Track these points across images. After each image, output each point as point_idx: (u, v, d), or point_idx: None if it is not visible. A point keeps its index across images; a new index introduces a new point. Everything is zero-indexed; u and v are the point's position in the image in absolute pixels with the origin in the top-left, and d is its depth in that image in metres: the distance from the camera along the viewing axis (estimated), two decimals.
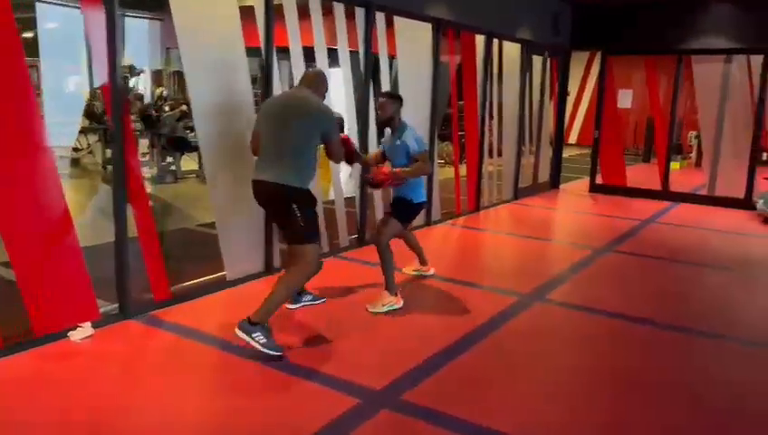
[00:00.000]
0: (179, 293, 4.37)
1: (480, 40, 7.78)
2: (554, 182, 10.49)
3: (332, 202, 5.81)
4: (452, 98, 9.16)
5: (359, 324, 4.06)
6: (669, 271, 5.74)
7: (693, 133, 14.79)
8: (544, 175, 10.23)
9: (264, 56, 4.81)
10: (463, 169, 8.09)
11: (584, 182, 10.45)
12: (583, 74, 19.33)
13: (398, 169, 4.31)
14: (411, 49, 6.59)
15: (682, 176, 11.96)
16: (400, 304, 4.34)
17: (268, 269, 5.00)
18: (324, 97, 3.84)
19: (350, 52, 5.77)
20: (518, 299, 4.65)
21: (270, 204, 3.74)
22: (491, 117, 8.31)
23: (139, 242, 4.00)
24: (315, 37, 5.39)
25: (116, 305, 3.95)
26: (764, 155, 8.97)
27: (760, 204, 8.17)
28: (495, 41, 8.12)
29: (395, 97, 4.44)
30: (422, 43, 6.77)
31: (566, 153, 16.07)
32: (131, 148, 3.92)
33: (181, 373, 3.29)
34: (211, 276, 4.78)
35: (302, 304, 4.29)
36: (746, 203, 8.83)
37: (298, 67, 5.11)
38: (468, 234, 7.05)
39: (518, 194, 9.18)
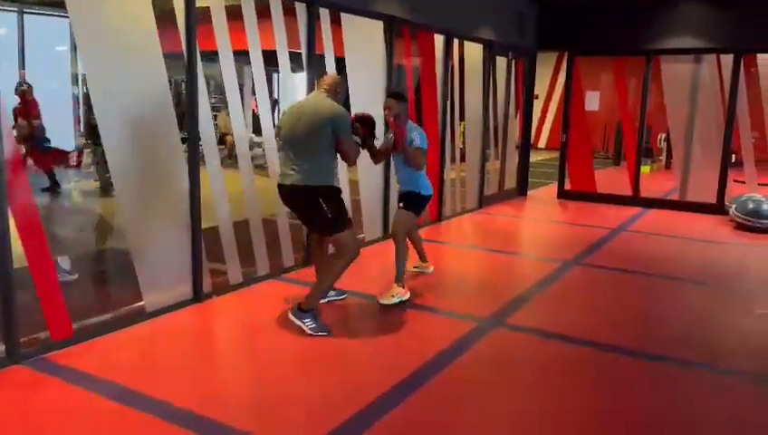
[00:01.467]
0: (85, 330, 3.78)
1: (439, 40, 7.32)
2: (522, 189, 10.08)
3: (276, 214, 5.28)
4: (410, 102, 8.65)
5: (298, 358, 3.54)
6: (641, 287, 5.31)
7: (662, 135, 14.55)
8: (511, 181, 9.81)
9: (186, 61, 4.25)
10: None
11: (553, 188, 10.06)
12: (551, 76, 19.07)
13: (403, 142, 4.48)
14: (362, 50, 6.09)
15: (652, 180, 11.66)
16: (407, 295, 4.58)
17: (197, 297, 4.44)
18: (342, 101, 3.99)
19: (318, 55, 5.35)
20: (476, 325, 4.16)
21: (296, 205, 3.99)
22: (452, 121, 7.85)
23: (30, 272, 3.42)
24: (277, 39, 5.05)
25: (1, 348, 3.36)
26: (733, 157, 8.62)
27: (732, 209, 7.84)
28: (456, 41, 7.68)
29: (400, 97, 4.59)
30: (373, 43, 6.27)
31: (535, 157, 15.77)
32: (16, 165, 3.34)
33: None
34: (126, 308, 4.20)
35: (329, 298, 4.46)
36: (719, 208, 8.50)
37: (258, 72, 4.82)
38: (428, 248, 6.55)
39: (483, 202, 8.73)
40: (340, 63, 5.83)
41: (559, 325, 4.23)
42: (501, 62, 8.99)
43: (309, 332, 3.82)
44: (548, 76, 18.95)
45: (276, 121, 4.73)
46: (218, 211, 4.69)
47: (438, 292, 4.93)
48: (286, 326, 3.96)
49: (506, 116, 9.29)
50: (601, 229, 7.47)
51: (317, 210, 3.83)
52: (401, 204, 4.74)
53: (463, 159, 8.44)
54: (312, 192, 3.81)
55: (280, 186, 3.96)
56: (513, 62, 9.29)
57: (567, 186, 9.76)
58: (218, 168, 4.73)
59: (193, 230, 4.36)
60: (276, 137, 4.79)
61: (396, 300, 4.49)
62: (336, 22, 5.65)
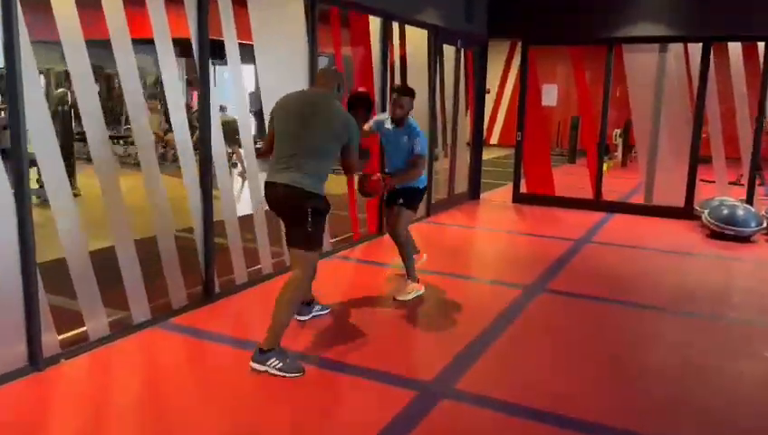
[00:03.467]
0: None
1: (376, 24, 6.25)
2: (474, 192, 9.12)
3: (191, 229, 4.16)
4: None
5: None
6: (616, 323, 4.37)
7: (617, 131, 13.89)
8: (462, 184, 8.84)
9: None
10: None
11: (508, 190, 9.12)
12: (504, 68, 18.27)
13: (387, 178, 4.34)
14: (276, 36, 4.96)
15: (611, 178, 10.83)
16: (422, 289, 4.67)
17: (34, 362, 3.26)
18: (341, 100, 3.70)
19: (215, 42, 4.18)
20: (417, 394, 3.13)
21: (284, 208, 3.56)
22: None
23: None
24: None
25: None
26: None
27: (705, 215, 7.06)
28: (396, 26, 6.64)
29: (413, 95, 4.53)
30: (291, 27, 5.15)
31: (488, 155, 14.92)
32: None
33: None
34: None
35: (312, 314, 4.16)
36: (687, 212, 7.73)
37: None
38: (362, 273, 5.53)
39: (431, 210, 7.72)
40: (248, 52, 4.71)
41: (522, 393, 3.23)
42: (449, 51, 7.99)
43: (278, 374, 3.27)
44: (500, 68, 18.14)
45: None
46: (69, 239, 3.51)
47: (369, 344, 3.87)
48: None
49: (456, 111, 8.31)
50: (564, 241, 6.56)
51: (301, 220, 3.43)
52: (400, 200, 4.55)
53: None
54: (303, 198, 3.40)
55: (269, 184, 3.48)
56: (463, 51, 8.31)
57: (523, 188, 8.86)
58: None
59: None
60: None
61: (412, 295, 4.58)
62: (240, 2, 4.54)
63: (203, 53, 4.17)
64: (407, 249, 4.63)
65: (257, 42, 4.75)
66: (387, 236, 6.52)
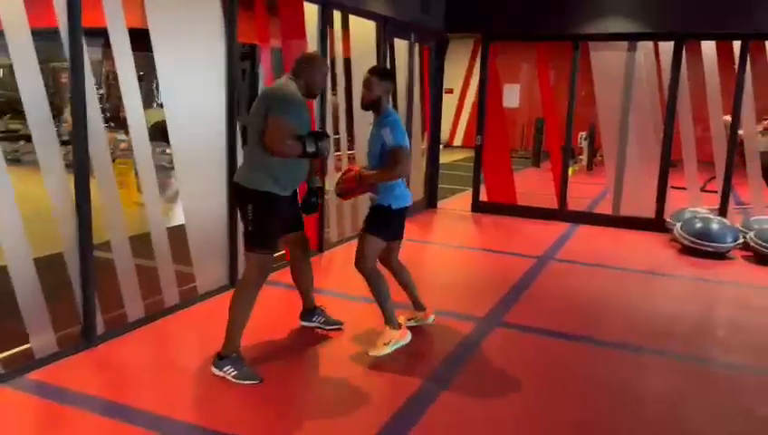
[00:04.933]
0: None
1: (312, 13, 5.45)
2: (430, 200, 8.40)
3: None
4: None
5: None
6: (583, 368, 3.67)
7: (583, 134, 13.35)
8: (417, 192, 8.10)
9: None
10: None
11: (467, 197, 8.41)
12: (468, 66, 17.64)
13: (364, 172, 3.63)
14: (181, 24, 4.13)
15: (576, 183, 10.22)
16: (407, 338, 3.78)
17: None
18: (316, 83, 3.44)
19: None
20: None
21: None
22: (334, 120, 6.05)
23: None
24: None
25: None
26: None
27: (677, 229, 6.46)
28: (337, 14, 5.86)
29: (384, 75, 3.73)
30: (203, 13, 4.32)
31: (450, 158, 14.26)
32: None
33: None
34: None
35: (315, 323, 3.97)
36: (658, 224, 7.14)
37: None
38: (289, 297, 4.72)
39: None
40: (142, 39, 3.88)
41: None
42: (401, 46, 7.25)
43: (234, 380, 3.21)
44: (463, 67, 17.52)
45: None
46: None
47: (290, 404, 3.09)
48: None
49: (409, 112, 7.57)
50: (525, 259, 5.87)
51: (243, 217, 3.36)
52: (363, 225, 3.74)
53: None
54: (240, 193, 3.36)
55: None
56: (418, 46, 7.57)
57: (483, 196, 8.17)
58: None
59: None
60: None
61: (390, 349, 3.66)
62: None
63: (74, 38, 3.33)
64: (377, 286, 3.71)
65: (154, 29, 3.91)
66: (325, 255, 5.77)
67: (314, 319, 4.00)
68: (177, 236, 4.29)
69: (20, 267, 3.25)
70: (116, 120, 11.47)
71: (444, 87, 8.42)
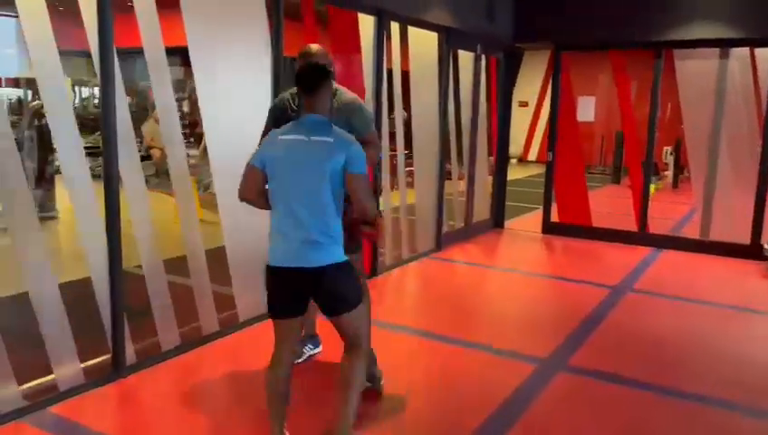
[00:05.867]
0: None
1: (367, 24, 5.18)
2: (497, 219, 7.92)
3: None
4: None
5: None
6: (671, 429, 3.14)
7: (668, 149, 12.46)
8: (483, 210, 7.65)
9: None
10: None
11: (538, 216, 7.86)
12: (543, 78, 16.96)
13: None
14: (224, 35, 3.94)
15: (660, 202, 9.47)
16: None
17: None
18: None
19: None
20: None
21: None
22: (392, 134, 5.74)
23: None
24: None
25: None
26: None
27: None
28: (395, 25, 5.56)
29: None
30: (247, 24, 4.12)
31: (522, 173, 13.65)
32: None
33: None
34: None
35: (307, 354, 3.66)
36: (753, 251, 6.36)
37: None
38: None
39: (442, 242, 6.57)
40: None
41: None
42: (466, 58, 6.87)
43: None
44: (539, 79, 16.84)
45: None
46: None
47: None
48: None
49: (474, 126, 7.15)
50: (598, 289, 5.32)
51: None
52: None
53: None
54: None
55: None
56: (484, 58, 7.16)
57: (555, 216, 7.61)
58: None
59: None
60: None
61: None
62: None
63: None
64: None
65: (194, 46, 3.72)
66: (379, 280, 5.39)
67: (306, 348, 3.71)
68: (217, 258, 4.08)
69: (44, 293, 3.11)
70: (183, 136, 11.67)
71: (518, 100, 7.96)
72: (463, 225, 7.22)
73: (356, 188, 2.49)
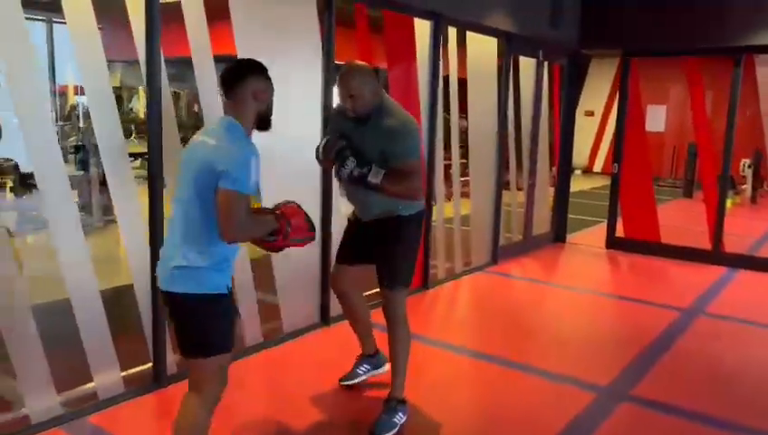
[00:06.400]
0: None
1: (423, 29, 5.02)
2: (558, 233, 7.57)
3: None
4: None
5: None
6: None
7: (746, 161, 11.69)
8: (543, 223, 7.33)
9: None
10: None
11: (602, 230, 7.45)
12: (611, 86, 16.32)
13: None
14: (273, 52, 3.86)
15: (736, 218, 8.87)
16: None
17: None
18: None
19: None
20: None
21: None
22: (447, 143, 5.55)
23: None
24: None
25: None
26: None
27: None
28: (452, 30, 5.38)
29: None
30: (298, 32, 4.03)
31: (587, 185, 13.16)
32: None
33: None
34: None
35: (367, 374, 3.36)
36: None
37: None
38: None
39: (498, 255, 6.32)
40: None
41: None
42: (527, 64, 6.61)
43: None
44: (606, 87, 16.23)
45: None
46: None
47: None
48: None
49: (535, 136, 6.87)
50: (666, 311, 4.94)
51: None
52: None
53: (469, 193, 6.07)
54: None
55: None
56: (547, 65, 6.88)
57: (620, 231, 7.21)
58: None
59: None
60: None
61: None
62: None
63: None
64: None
65: (242, 52, 3.66)
66: (430, 294, 5.21)
67: (361, 370, 3.41)
68: (263, 267, 4.00)
69: (85, 299, 3.08)
70: None
71: (584, 109, 7.60)
72: (521, 238, 6.94)
73: (218, 205, 2.09)
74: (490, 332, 4.48)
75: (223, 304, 2.21)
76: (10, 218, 7.56)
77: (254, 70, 2.26)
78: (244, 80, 2.22)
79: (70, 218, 3.02)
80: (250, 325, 3.88)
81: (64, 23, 3.04)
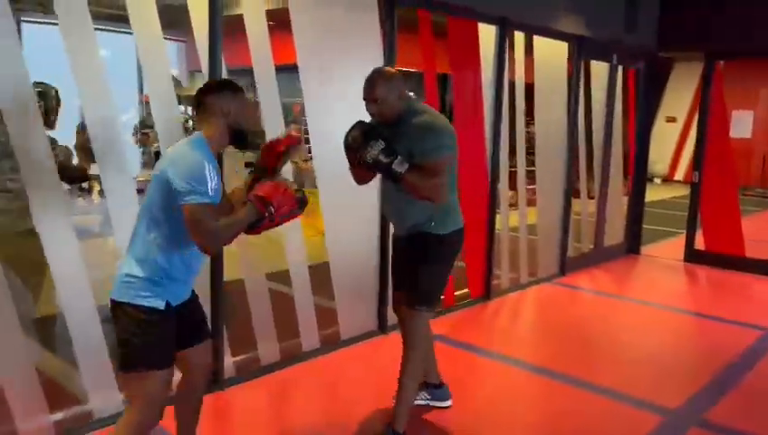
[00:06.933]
0: None
1: (487, 33, 4.93)
2: (632, 244, 7.23)
3: None
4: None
5: None
6: None
7: None
8: (616, 233, 7.03)
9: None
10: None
11: (681, 242, 7.05)
12: (695, 92, 15.53)
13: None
14: (333, 60, 3.88)
15: None
16: None
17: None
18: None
19: None
20: None
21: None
22: (512, 150, 5.41)
23: None
24: None
25: None
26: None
27: None
28: (519, 35, 5.25)
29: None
30: (360, 34, 4.03)
31: (667, 194, 12.56)
32: None
33: None
34: None
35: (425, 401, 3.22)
36: None
37: None
38: (444, 354, 4.18)
39: (566, 266, 6.10)
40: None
41: None
42: (598, 68, 6.36)
43: None
44: (689, 92, 15.46)
45: None
46: None
47: None
48: None
49: (608, 143, 6.61)
50: (748, 330, 4.61)
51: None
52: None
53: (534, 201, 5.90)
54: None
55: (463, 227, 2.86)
56: (621, 69, 6.60)
57: (699, 243, 6.81)
58: None
59: None
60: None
61: None
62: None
63: None
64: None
65: (302, 59, 3.70)
66: (492, 304, 5.08)
67: (421, 396, 3.25)
68: (321, 272, 4.02)
69: None
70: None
71: (665, 115, 7.24)
72: (591, 248, 6.67)
73: (186, 223, 2.06)
74: (554, 346, 4.31)
75: (155, 320, 2.15)
76: (95, 220, 8.00)
77: (224, 88, 2.26)
78: (212, 97, 2.22)
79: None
80: (307, 330, 3.91)
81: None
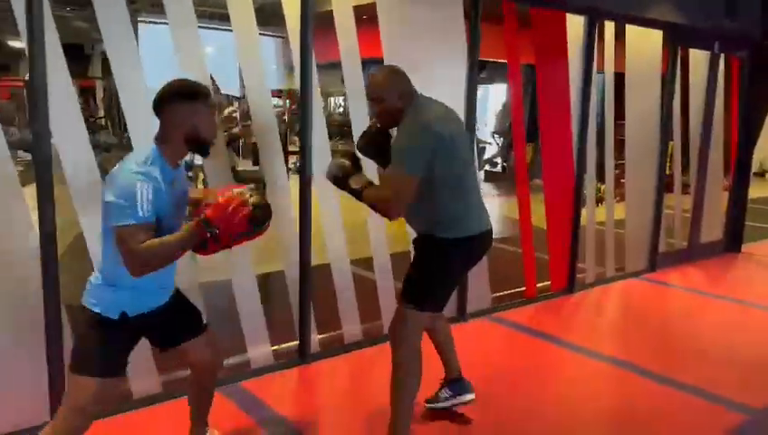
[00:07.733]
0: None
1: (575, 25, 4.88)
2: (732, 241, 6.88)
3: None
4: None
5: None
6: None
7: None
8: (714, 230, 6.71)
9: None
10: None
11: None
12: None
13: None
14: (418, 53, 3.99)
15: None
16: None
17: None
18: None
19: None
20: None
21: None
22: (600, 147, 5.32)
23: None
24: None
25: None
26: None
27: None
28: (609, 24, 5.16)
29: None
30: (444, 29, 4.13)
31: None
32: None
33: None
34: None
35: (449, 402, 3.04)
36: None
37: None
38: (521, 340, 4.20)
39: (657, 262, 5.92)
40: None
41: None
42: (699, 59, 6.09)
43: None
44: None
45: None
46: None
47: None
48: None
49: (707, 135, 6.32)
50: None
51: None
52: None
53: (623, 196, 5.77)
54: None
55: (484, 233, 2.63)
56: (723, 58, 6.29)
57: None
58: None
59: None
60: None
61: None
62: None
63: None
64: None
65: (388, 51, 3.85)
66: (575, 297, 5.04)
67: (443, 395, 3.12)
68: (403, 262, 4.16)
69: (243, 282, 3.47)
70: None
71: None
72: (685, 245, 6.42)
73: (115, 244, 1.96)
74: (639, 341, 4.23)
75: (107, 329, 2.08)
76: None
77: (175, 94, 2.09)
78: (163, 104, 2.08)
79: None
80: (388, 314, 4.06)
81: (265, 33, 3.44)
